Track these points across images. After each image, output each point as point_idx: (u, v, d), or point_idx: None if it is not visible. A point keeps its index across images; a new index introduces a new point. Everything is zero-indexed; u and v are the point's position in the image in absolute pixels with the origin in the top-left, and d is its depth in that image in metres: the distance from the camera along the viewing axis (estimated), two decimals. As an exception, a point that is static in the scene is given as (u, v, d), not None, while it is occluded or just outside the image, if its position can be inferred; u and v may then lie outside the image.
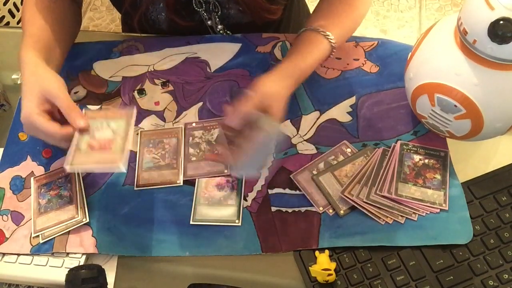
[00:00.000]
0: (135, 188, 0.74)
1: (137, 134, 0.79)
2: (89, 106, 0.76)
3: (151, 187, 0.74)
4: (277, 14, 0.83)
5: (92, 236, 0.71)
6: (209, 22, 0.88)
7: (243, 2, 0.80)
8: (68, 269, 0.62)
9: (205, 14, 0.86)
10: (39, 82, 0.69)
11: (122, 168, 0.63)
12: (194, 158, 0.76)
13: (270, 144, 0.71)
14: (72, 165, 0.64)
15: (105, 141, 0.66)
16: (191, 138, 0.78)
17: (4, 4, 1.61)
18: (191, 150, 0.77)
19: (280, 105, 0.70)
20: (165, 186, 0.74)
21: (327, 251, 0.67)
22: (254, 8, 0.80)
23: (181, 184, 0.74)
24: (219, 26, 0.89)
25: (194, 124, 0.80)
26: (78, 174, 0.75)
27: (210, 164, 0.75)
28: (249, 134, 0.67)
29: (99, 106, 0.82)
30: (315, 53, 0.76)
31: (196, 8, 0.85)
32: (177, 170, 0.75)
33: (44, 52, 0.74)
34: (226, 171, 0.74)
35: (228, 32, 0.90)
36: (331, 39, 0.76)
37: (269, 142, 0.69)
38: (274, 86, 0.71)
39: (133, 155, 0.77)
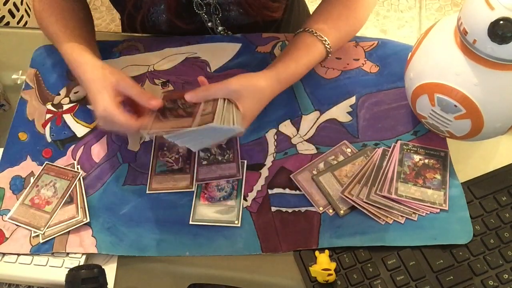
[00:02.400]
0: (147, 192, 0.74)
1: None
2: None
3: (163, 191, 0.74)
4: (278, 13, 0.83)
5: (92, 236, 0.70)
6: (209, 24, 0.88)
7: (245, 1, 0.80)
8: (68, 269, 0.62)
9: (205, 16, 0.86)
10: (108, 76, 0.71)
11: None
12: (205, 162, 0.76)
13: (217, 135, 0.68)
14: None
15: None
16: None
17: (4, 4, 1.60)
18: (201, 154, 0.77)
19: (252, 105, 0.70)
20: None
21: (327, 251, 0.67)
22: (255, 6, 0.80)
23: (194, 190, 0.74)
24: (220, 28, 0.88)
25: None
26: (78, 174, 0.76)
27: (222, 168, 0.75)
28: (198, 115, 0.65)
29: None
30: (309, 56, 0.76)
31: (196, 11, 0.85)
32: (190, 175, 0.75)
33: (90, 49, 0.76)
34: (238, 175, 0.74)
35: (228, 32, 0.90)
36: (327, 43, 0.76)
37: (217, 133, 0.67)
38: (259, 83, 0.70)
39: (147, 158, 0.77)
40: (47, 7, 0.80)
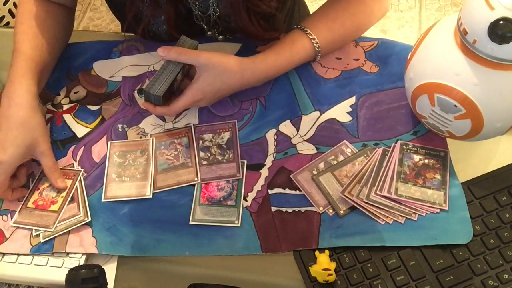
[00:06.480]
0: (153, 191, 0.73)
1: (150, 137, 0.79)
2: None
3: (168, 189, 0.74)
4: (278, 37, 0.83)
5: (92, 236, 0.70)
6: (209, 33, 0.88)
7: (244, 33, 0.80)
8: (68, 269, 0.62)
9: (205, 27, 0.86)
10: (32, 131, 0.71)
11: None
12: (205, 162, 0.76)
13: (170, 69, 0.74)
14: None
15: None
16: (201, 142, 0.78)
17: (4, 4, 1.61)
18: (201, 154, 0.77)
19: (214, 83, 0.73)
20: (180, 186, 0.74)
21: (327, 251, 0.67)
22: (255, 37, 0.81)
23: (199, 181, 0.74)
24: (220, 37, 0.88)
25: (204, 128, 0.79)
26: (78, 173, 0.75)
27: (222, 168, 0.75)
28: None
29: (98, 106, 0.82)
30: (292, 51, 0.77)
31: (196, 22, 0.85)
32: (193, 168, 0.75)
33: (36, 73, 0.75)
34: (238, 175, 0.74)
35: (228, 36, 0.90)
36: (315, 42, 0.76)
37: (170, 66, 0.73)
38: (230, 65, 0.72)
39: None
40: (28, 16, 0.80)
